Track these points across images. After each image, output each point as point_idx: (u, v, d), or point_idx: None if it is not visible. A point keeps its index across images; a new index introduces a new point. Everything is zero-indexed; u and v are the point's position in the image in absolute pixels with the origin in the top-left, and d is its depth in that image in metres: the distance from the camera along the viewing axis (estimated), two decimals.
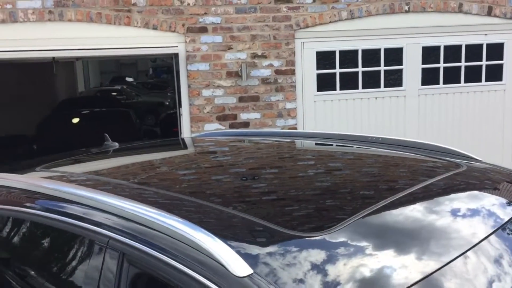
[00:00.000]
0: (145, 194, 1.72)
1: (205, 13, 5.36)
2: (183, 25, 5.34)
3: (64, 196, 1.65)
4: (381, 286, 1.10)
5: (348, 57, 5.73)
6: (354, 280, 1.11)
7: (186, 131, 5.49)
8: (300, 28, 5.56)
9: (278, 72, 5.56)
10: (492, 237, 1.37)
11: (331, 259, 1.18)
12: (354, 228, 1.31)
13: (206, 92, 5.44)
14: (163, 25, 5.30)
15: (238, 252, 1.14)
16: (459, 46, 5.95)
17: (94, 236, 1.47)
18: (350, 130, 5.55)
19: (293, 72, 5.59)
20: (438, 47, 5.90)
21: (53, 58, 5.99)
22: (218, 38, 5.42)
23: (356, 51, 5.72)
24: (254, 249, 1.20)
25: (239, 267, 1.09)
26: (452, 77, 5.97)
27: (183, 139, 3.60)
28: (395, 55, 5.82)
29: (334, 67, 5.70)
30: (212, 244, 1.14)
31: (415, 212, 1.45)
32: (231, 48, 5.44)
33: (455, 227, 1.38)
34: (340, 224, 1.31)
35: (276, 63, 5.55)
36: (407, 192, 1.57)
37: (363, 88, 5.77)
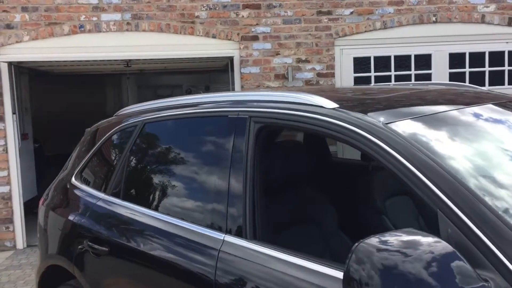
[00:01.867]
0: None
1: (257, 24, 6.25)
2: (238, 34, 6.24)
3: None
4: None
5: (382, 62, 6.48)
6: None
7: None
8: (339, 37, 6.37)
9: (319, 75, 6.36)
10: None
11: None
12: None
13: None
14: (221, 34, 6.21)
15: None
16: (483, 53, 6.61)
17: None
18: None
19: (333, 75, 6.37)
20: (463, 54, 6.58)
21: (128, 62, 6.96)
22: (268, 45, 6.28)
23: (389, 57, 6.47)
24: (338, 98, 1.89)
25: (331, 105, 1.82)
26: (477, 81, 6.61)
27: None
28: (424, 61, 6.53)
29: (370, 71, 6.46)
30: (314, 97, 1.86)
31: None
32: (279, 54, 6.29)
33: None
34: None
35: (318, 67, 6.35)
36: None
37: None
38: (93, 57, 6.20)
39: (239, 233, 1.88)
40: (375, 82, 6.45)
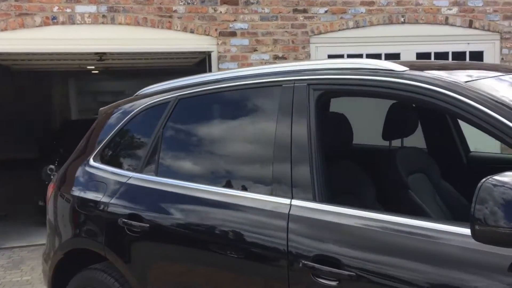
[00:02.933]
0: None
1: (235, 20, 6.28)
2: (216, 29, 6.23)
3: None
4: None
5: None
6: None
7: None
8: (314, 35, 6.51)
9: None
10: None
11: None
12: None
13: None
14: (199, 29, 6.18)
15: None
16: (447, 53, 6.98)
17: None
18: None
19: None
20: (429, 54, 6.92)
21: (101, 56, 6.76)
22: (245, 42, 6.31)
23: (361, 55, 6.68)
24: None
25: (401, 68, 1.88)
26: None
27: None
28: (393, 59, 6.79)
29: None
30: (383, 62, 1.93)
31: None
32: (256, 50, 6.34)
33: None
34: None
35: None
36: None
37: None
38: (65, 50, 5.98)
39: (306, 197, 1.89)
40: None
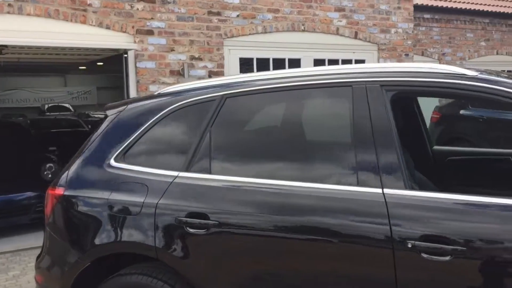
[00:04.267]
0: None
1: (152, 18, 6.14)
2: (133, 27, 6.02)
3: None
4: None
5: (263, 64, 7.03)
6: None
7: None
8: (228, 37, 6.69)
9: (211, 72, 6.56)
10: None
11: None
12: None
13: (153, 88, 6.14)
14: (115, 25, 5.91)
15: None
16: (337, 60, 7.74)
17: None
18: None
19: (223, 74, 6.65)
20: (324, 60, 7.59)
21: (1, 49, 5.99)
22: (163, 41, 6.22)
23: (268, 59, 7.06)
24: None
25: (472, 73, 2.20)
26: None
27: None
28: (295, 65, 7.32)
29: (253, 71, 6.93)
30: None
31: None
32: (173, 50, 6.29)
33: None
34: None
35: (210, 65, 6.55)
36: None
37: None
38: None
39: (397, 186, 2.12)
40: None
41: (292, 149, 2.46)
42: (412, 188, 2.13)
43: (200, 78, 6.44)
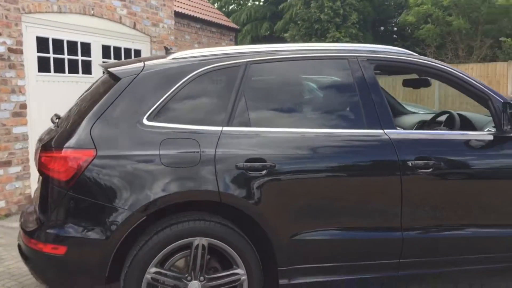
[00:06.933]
0: None
1: None
2: None
3: None
4: None
5: (59, 45, 6.63)
6: None
7: None
8: (25, 13, 6.08)
9: (10, 50, 5.86)
10: None
11: None
12: None
13: None
14: None
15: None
16: (120, 48, 7.89)
17: None
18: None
19: (21, 52, 6.01)
20: (109, 47, 7.63)
21: None
22: None
23: (63, 41, 6.70)
24: None
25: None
26: None
27: None
28: (86, 49, 7.15)
29: (49, 52, 6.48)
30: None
31: None
32: None
33: None
34: None
35: (9, 42, 5.84)
36: None
37: (69, 72, 6.80)
38: None
39: (392, 127, 3.05)
40: (54, 63, 6.55)
41: (311, 105, 3.08)
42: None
43: (0, 55, 5.70)
